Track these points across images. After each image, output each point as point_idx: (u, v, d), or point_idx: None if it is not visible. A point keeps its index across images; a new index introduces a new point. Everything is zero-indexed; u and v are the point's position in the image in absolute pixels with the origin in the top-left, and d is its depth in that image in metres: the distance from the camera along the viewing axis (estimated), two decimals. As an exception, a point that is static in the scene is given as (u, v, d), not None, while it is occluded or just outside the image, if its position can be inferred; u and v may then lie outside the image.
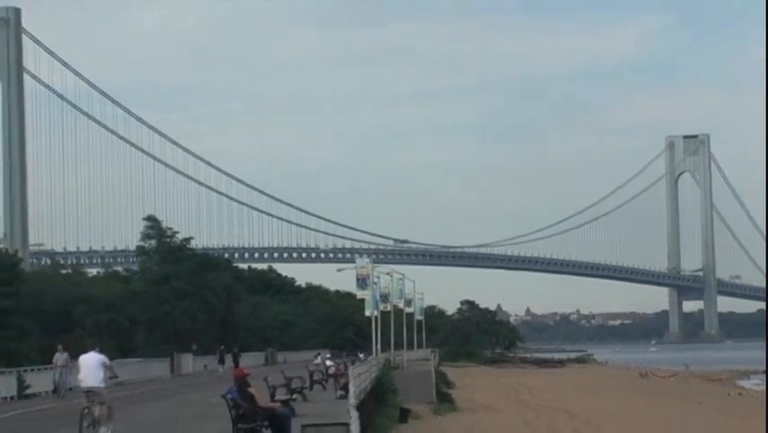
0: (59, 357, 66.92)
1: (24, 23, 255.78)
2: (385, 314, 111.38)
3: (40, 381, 67.87)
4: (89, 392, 34.97)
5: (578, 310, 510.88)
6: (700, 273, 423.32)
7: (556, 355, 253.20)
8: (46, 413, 52.29)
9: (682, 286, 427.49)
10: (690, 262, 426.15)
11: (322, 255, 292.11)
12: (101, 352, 36.50)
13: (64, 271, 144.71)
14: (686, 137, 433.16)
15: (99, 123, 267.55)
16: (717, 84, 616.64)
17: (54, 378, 67.09)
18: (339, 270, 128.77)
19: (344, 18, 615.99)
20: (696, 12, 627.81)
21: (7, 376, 66.40)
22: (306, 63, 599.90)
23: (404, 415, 73.18)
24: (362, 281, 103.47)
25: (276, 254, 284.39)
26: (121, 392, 71.42)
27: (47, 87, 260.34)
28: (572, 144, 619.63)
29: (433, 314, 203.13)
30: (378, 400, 68.37)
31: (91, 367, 35.14)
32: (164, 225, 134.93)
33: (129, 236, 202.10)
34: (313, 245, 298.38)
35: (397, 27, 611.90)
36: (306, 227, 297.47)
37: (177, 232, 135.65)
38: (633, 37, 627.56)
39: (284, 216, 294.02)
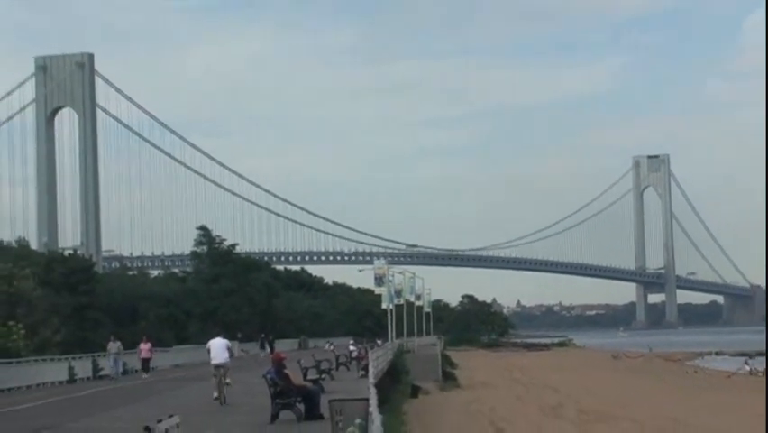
0: (113, 346, 66.30)
1: (97, 66, 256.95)
2: (398, 307, 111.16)
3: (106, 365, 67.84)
4: (218, 367, 39.67)
5: (560, 302, 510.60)
6: (662, 271, 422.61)
7: (542, 341, 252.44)
8: (118, 391, 52.39)
9: (647, 282, 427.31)
10: (654, 262, 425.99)
11: (345, 258, 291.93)
12: (224, 337, 42.10)
13: (131, 273, 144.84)
14: (649, 157, 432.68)
15: (158, 148, 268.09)
16: (676, 111, 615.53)
17: (103, 364, 66.64)
18: (360, 270, 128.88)
19: (362, 57, 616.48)
20: (657, 51, 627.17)
21: (85, 361, 66.50)
22: (329, 95, 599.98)
23: (415, 391, 73.06)
24: (380, 280, 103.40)
25: (307, 257, 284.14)
26: (179, 373, 71.50)
27: (115, 119, 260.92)
28: (554, 163, 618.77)
29: (439, 307, 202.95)
30: (393, 379, 68.27)
31: (219, 349, 40.23)
32: (214, 233, 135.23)
33: (184, 243, 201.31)
34: (338, 249, 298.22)
35: (407, 64, 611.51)
36: (333, 234, 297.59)
37: (224, 239, 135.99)
38: (604, 72, 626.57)
39: (314, 225, 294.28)
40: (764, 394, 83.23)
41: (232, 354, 41.75)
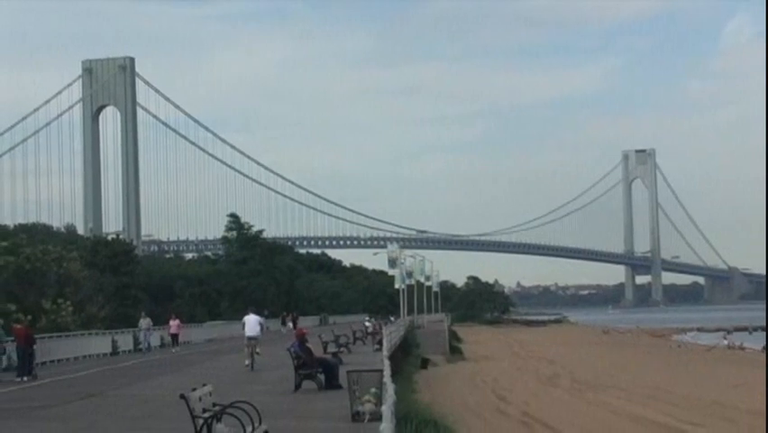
0: (143, 322, 66.09)
1: (137, 69, 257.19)
2: (410, 287, 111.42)
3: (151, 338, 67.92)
4: (251, 339, 42.47)
5: (556, 283, 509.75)
6: (649, 254, 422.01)
7: (540, 318, 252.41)
8: (158, 362, 52.56)
9: (635, 264, 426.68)
10: (641, 246, 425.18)
11: (362, 242, 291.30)
12: (257, 314, 45.48)
13: (167, 256, 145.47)
14: (637, 151, 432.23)
15: (192, 143, 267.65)
16: (661, 109, 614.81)
17: (139, 338, 66.44)
18: (375, 253, 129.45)
19: (377, 60, 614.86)
20: (644, 54, 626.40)
21: (126, 335, 66.60)
22: (348, 95, 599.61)
23: (424, 363, 73.18)
24: (393, 262, 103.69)
25: (327, 242, 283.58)
26: (212, 347, 71.56)
27: (154, 116, 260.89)
28: (552, 156, 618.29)
29: (446, 287, 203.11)
30: (405, 352, 68.39)
31: (252, 323, 42.68)
32: (242, 220, 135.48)
33: (216, 229, 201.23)
34: (355, 235, 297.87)
35: (418, 67, 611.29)
36: (350, 221, 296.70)
37: (252, 225, 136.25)
38: (596, 74, 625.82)
39: (333, 213, 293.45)
40: (742, 366, 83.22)
41: (263, 329, 44.30)
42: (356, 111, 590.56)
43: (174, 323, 67.52)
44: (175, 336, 67.04)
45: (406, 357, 67.41)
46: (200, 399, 17.19)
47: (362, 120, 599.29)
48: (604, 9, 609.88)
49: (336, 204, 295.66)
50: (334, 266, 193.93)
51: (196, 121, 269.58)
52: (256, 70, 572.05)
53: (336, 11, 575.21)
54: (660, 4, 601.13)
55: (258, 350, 42.76)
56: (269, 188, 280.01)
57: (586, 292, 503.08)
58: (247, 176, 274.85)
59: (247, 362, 42.26)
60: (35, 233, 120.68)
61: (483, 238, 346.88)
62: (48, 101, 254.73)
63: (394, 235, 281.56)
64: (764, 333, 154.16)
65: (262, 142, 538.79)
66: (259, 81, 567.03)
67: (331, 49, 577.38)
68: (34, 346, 42.49)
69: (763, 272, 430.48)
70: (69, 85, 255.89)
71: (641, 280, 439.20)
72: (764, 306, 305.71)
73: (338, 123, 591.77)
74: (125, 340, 65.58)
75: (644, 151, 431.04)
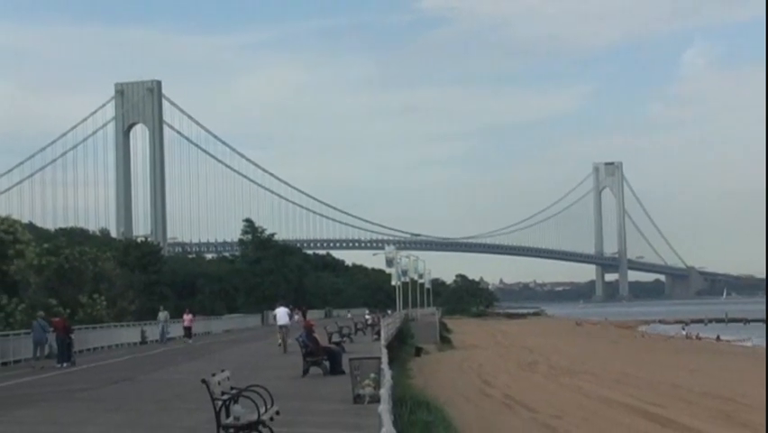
0: (161, 315, 65.47)
1: (164, 91, 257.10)
2: (405, 284, 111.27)
3: (173, 330, 67.82)
4: (282, 327, 45.66)
5: (534, 280, 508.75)
6: (616, 255, 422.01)
7: (520, 311, 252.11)
8: (180, 351, 52.58)
9: (604, 264, 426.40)
10: (610, 248, 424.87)
11: (362, 244, 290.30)
12: (287, 306, 49.27)
13: (190, 256, 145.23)
14: (606, 164, 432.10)
15: (212, 156, 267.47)
16: (627, 128, 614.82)
17: (160, 330, 66.13)
18: (374, 254, 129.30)
19: (379, 85, 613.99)
20: (612, 80, 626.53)
21: (153, 326, 66.56)
22: (352, 116, 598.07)
23: (418, 351, 73.08)
24: (390, 262, 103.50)
25: (332, 244, 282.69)
26: (229, 337, 71.63)
27: (178, 133, 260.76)
28: (531, 169, 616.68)
29: (437, 284, 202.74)
30: (400, 341, 68.34)
31: (283, 314, 46.69)
32: (257, 224, 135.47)
33: (233, 232, 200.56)
34: (356, 238, 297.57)
35: (413, 91, 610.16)
36: (352, 225, 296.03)
37: (265, 229, 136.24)
38: (570, 97, 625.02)
39: (337, 218, 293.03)
40: (698, 354, 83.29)
41: (291, 318, 47.75)
42: (360, 129, 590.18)
43: (187, 317, 66.89)
44: (188, 329, 66.56)
45: (402, 346, 67.38)
46: (219, 383, 17.26)
47: (365, 137, 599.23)
48: (578, 41, 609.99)
49: (340, 210, 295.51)
50: (338, 265, 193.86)
51: (215, 136, 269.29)
52: (271, 94, 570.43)
53: (343, 41, 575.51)
54: (626, 36, 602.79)
55: (289, 340, 43.71)
56: (280, 196, 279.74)
57: (561, 288, 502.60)
58: (261, 185, 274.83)
59: (279, 342, 44.98)
60: (73, 236, 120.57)
61: (470, 241, 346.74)
62: (85, 119, 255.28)
63: (391, 238, 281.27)
64: (718, 324, 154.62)
65: (277, 156, 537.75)
66: (274, 103, 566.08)
67: (338, 74, 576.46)
68: (72, 336, 42.55)
69: (717, 271, 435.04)
70: (103, 105, 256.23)
71: (609, 277, 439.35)
72: (716, 301, 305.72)
73: (344, 140, 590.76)
74: (153, 331, 65.57)
75: (612, 163, 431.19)
